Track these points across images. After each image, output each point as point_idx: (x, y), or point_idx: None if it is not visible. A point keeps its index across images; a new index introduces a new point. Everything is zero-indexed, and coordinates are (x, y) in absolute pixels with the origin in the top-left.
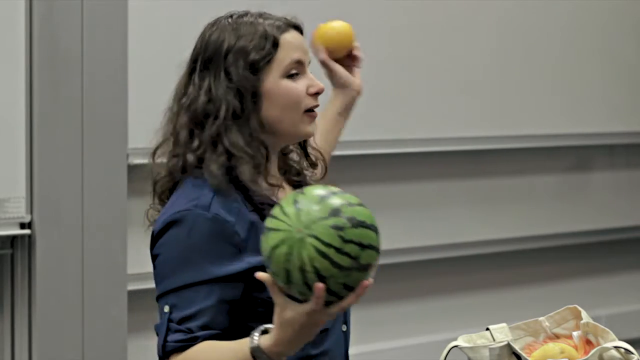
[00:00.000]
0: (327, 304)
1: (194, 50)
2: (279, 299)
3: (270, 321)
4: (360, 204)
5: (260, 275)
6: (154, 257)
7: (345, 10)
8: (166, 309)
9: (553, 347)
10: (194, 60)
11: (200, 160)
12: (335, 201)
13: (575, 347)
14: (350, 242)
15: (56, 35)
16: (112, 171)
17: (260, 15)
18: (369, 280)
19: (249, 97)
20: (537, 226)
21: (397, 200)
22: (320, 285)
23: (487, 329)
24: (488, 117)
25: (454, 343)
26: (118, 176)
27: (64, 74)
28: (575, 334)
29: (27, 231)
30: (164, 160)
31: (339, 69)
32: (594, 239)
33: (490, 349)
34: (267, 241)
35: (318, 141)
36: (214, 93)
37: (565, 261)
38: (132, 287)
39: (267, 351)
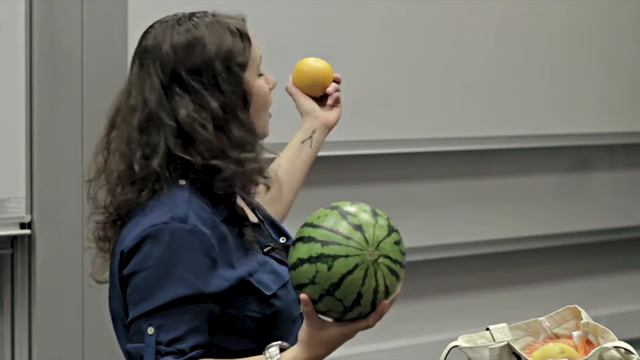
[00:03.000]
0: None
1: (162, 65)
2: (315, 321)
3: (244, 336)
4: (388, 217)
5: (304, 297)
6: (129, 276)
7: (345, 10)
8: (150, 330)
9: (553, 347)
10: (171, 72)
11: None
12: (383, 217)
13: (575, 347)
14: (404, 254)
15: (56, 35)
16: None
17: (216, 15)
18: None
19: (241, 98)
20: (537, 226)
21: (398, 200)
22: (386, 303)
23: (487, 329)
24: (488, 117)
25: (454, 343)
26: None
27: (64, 74)
28: (575, 334)
29: (27, 231)
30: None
31: (300, 97)
32: (594, 239)
33: (490, 349)
34: (333, 269)
35: (282, 172)
36: (221, 98)
37: (565, 261)
38: None
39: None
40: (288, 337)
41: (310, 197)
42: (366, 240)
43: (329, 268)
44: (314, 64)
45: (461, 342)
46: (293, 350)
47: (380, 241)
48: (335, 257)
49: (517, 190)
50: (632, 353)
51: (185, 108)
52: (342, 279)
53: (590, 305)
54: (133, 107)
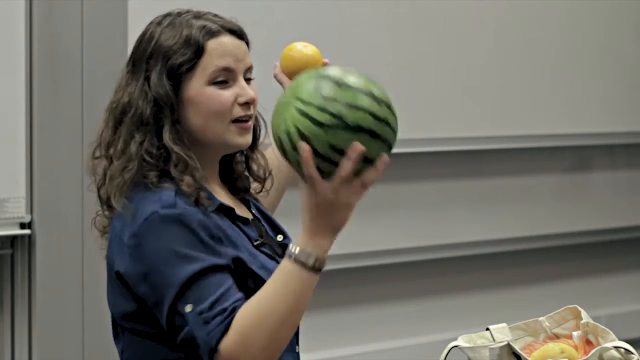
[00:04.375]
0: (328, 175)
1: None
2: (302, 183)
3: None
4: (366, 79)
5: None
6: (143, 277)
7: (345, 10)
8: (188, 308)
9: (553, 347)
10: (130, 59)
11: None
12: (329, 70)
13: (575, 347)
14: (332, 99)
15: (56, 35)
16: None
17: (198, 15)
18: (360, 145)
19: (164, 104)
20: (537, 226)
21: (397, 200)
22: (304, 145)
23: (487, 329)
24: (488, 117)
25: (454, 343)
26: None
27: (64, 74)
28: (575, 334)
29: (27, 231)
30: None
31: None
32: (594, 239)
33: (490, 349)
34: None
35: (276, 167)
36: (130, 98)
37: (565, 261)
38: None
39: (300, 243)
40: None
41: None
42: (290, 87)
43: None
44: (303, 50)
45: (461, 342)
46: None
47: (299, 86)
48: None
49: (517, 190)
50: (632, 353)
51: (115, 93)
52: (271, 127)
53: (590, 305)
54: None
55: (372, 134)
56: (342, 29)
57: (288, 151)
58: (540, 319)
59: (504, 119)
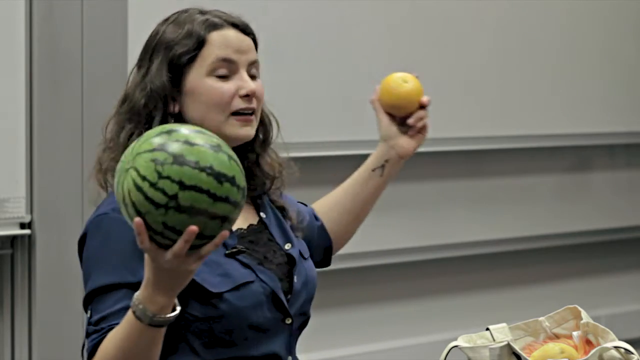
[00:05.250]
0: (168, 247)
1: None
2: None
3: (194, 337)
4: (212, 147)
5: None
6: (81, 264)
7: (345, 10)
8: (88, 312)
9: (553, 347)
10: (139, 56)
11: None
12: (171, 136)
13: (575, 347)
14: (167, 178)
15: (56, 35)
16: None
17: (203, 11)
18: (195, 228)
19: (158, 96)
20: (537, 226)
21: (397, 200)
22: (138, 220)
23: (487, 329)
24: (488, 117)
25: (454, 343)
26: None
27: (64, 74)
28: (575, 334)
29: (27, 231)
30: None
31: (383, 119)
32: (594, 239)
33: (490, 349)
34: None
35: (339, 192)
36: (131, 88)
37: (565, 261)
38: None
39: (139, 297)
40: (243, 342)
41: (310, 197)
42: (131, 150)
43: None
44: (403, 84)
45: (461, 342)
46: None
47: (139, 153)
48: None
49: (517, 190)
50: (632, 353)
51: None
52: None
53: (590, 305)
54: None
55: (210, 216)
56: (342, 29)
57: (127, 217)
58: (540, 319)
59: (504, 119)
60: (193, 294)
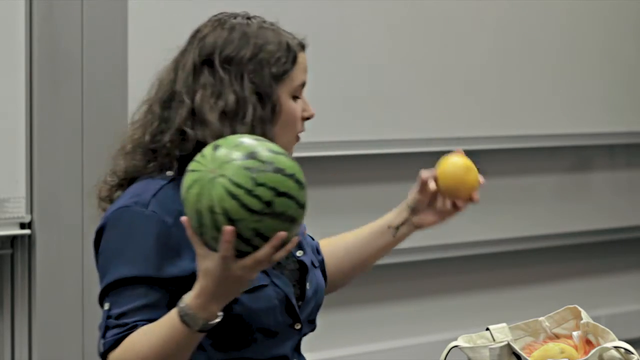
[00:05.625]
0: (243, 254)
1: (201, 47)
2: (199, 249)
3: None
4: (285, 155)
5: (183, 218)
6: (96, 256)
7: (345, 10)
8: (106, 306)
9: (553, 347)
10: (206, 56)
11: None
12: (255, 145)
13: (575, 347)
14: (263, 185)
15: (56, 35)
16: None
17: (273, 24)
18: (284, 234)
19: (270, 105)
20: (537, 226)
21: (397, 200)
22: (228, 228)
23: (487, 329)
24: (488, 117)
25: (454, 343)
26: None
27: (64, 74)
28: (575, 334)
29: (27, 231)
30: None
31: (420, 191)
32: (594, 239)
33: (490, 349)
34: (183, 184)
35: (349, 235)
36: (240, 94)
37: (565, 261)
38: None
39: (191, 305)
40: (252, 345)
41: (309, 197)
42: (213, 159)
43: (183, 183)
44: (470, 174)
45: (461, 342)
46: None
47: (226, 162)
48: (187, 171)
49: (517, 190)
50: (632, 353)
51: (204, 90)
52: (185, 195)
53: (590, 305)
54: (163, 81)
55: (293, 221)
56: (342, 29)
57: (206, 226)
58: (540, 319)
59: (504, 119)
60: None
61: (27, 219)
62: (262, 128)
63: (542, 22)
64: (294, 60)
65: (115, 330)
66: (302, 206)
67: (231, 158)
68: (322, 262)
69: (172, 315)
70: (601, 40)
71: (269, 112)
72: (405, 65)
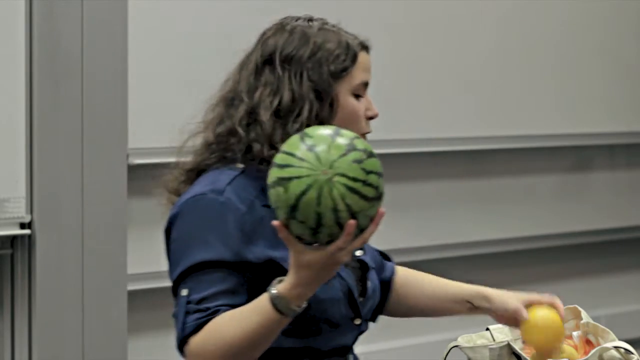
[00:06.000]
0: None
1: (264, 48)
2: (295, 246)
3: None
4: (357, 136)
5: (276, 223)
6: (169, 243)
7: (344, 10)
8: (184, 292)
9: None
10: (268, 56)
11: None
12: (346, 137)
13: (575, 347)
14: (371, 172)
15: (56, 35)
16: (112, 171)
17: (335, 26)
18: (383, 211)
19: (328, 102)
20: (537, 226)
21: (398, 200)
22: (352, 222)
23: (487, 329)
24: (488, 117)
25: (454, 343)
26: (118, 176)
27: (64, 74)
28: (575, 334)
29: (27, 231)
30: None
31: (510, 323)
32: (594, 239)
33: (490, 349)
34: (289, 191)
35: (431, 279)
36: (297, 91)
37: (565, 261)
38: (132, 287)
39: (287, 295)
40: (317, 335)
41: None
42: (319, 160)
43: (285, 191)
44: (554, 342)
45: (461, 342)
46: (286, 279)
47: (335, 160)
48: (289, 179)
49: (517, 190)
50: (632, 353)
51: (263, 89)
52: (297, 201)
53: (590, 305)
54: (229, 81)
55: (382, 196)
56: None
57: (326, 226)
58: None
59: (504, 119)
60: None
61: (27, 219)
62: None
63: (542, 22)
64: (353, 59)
65: (196, 315)
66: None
67: (336, 155)
68: (387, 283)
69: (263, 302)
70: (601, 40)
71: (327, 109)
72: (405, 65)
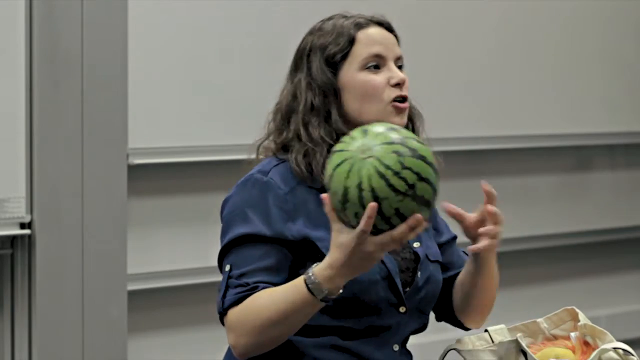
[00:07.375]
0: (379, 232)
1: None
2: (335, 224)
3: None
4: (427, 146)
5: (324, 195)
6: (221, 217)
7: (344, 10)
8: (227, 267)
9: (549, 352)
10: (291, 66)
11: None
12: (401, 133)
13: (573, 349)
14: (409, 169)
15: (56, 35)
16: (112, 171)
17: (345, 16)
18: (421, 216)
19: (328, 90)
20: (537, 226)
21: None
22: (373, 204)
23: (486, 330)
24: (488, 117)
25: (451, 345)
26: (118, 176)
27: (64, 74)
28: (572, 335)
29: (27, 231)
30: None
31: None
32: (594, 239)
33: (499, 344)
34: (331, 162)
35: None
36: (296, 90)
37: (565, 261)
38: (132, 287)
39: (318, 275)
40: (355, 316)
41: None
42: (364, 145)
43: (330, 163)
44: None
45: (459, 344)
46: (323, 260)
47: (376, 145)
48: (335, 152)
49: (517, 190)
50: (631, 354)
51: (285, 94)
52: (332, 172)
53: (590, 305)
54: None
55: (428, 205)
56: None
57: (351, 202)
58: (538, 320)
59: (504, 119)
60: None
61: (27, 219)
62: (317, 114)
63: (542, 22)
64: (350, 41)
65: (237, 289)
66: (436, 192)
67: (380, 141)
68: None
69: (298, 282)
70: (601, 40)
71: (331, 95)
72: (405, 65)
